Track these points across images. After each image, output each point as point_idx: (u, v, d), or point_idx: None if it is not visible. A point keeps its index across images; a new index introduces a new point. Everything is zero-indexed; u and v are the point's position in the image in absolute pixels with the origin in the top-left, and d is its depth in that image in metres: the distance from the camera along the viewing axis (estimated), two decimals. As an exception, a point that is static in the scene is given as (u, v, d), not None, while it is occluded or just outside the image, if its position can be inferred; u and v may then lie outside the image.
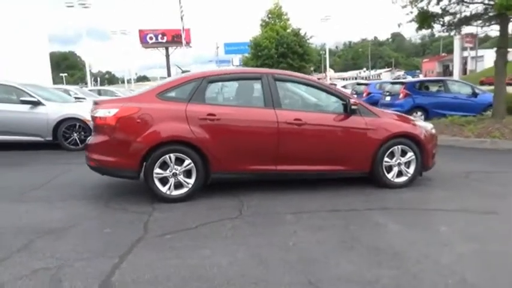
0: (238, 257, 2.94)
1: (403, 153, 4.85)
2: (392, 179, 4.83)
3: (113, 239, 3.30)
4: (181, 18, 51.37)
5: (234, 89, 4.83)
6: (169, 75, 78.18)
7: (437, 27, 10.18)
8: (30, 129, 7.65)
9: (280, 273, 2.68)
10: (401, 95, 11.99)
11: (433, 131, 5.22)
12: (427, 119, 10.85)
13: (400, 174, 4.88)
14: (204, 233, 3.44)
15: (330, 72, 77.91)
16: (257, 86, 4.58)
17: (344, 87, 17.74)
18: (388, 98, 12.65)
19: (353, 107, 4.58)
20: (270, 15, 33.95)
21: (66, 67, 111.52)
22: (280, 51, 31.16)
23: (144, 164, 4.21)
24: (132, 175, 4.23)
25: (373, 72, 77.27)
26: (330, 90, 4.81)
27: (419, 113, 11.83)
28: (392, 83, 13.50)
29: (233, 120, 4.37)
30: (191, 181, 4.29)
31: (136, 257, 2.95)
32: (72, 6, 27.47)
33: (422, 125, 5.06)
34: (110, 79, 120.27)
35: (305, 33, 33.06)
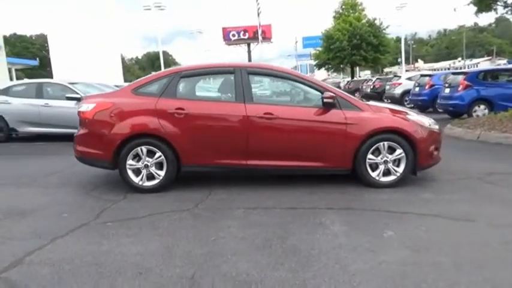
0: (149, 247, 3.01)
1: (392, 150, 4.45)
2: (377, 178, 4.47)
3: (62, 223, 3.60)
4: (258, 15, 52.28)
5: (208, 83, 4.88)
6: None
7: (500, 9, 9.01)
8: (75, 122, 8.50)
9: (172, 265, 2.70)
10: (460, 87, 10.84)
11: (433, 126, 4.69)
12: (491, 113, 9.66)
13: (388, 173, 4.49)
14: (144, 222, 3.58)
15: (419, 64, 72.69)
16: (230, 80, 4.56)
17: (409, 79, 16.49)
18: (447, 91, 11.53)
19: (326, 100, 4.32)
20: (343, 6, 32.80)
21: (159, 66, 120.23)
22: (353, 43, 29.99)
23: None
24: (107, 165, 4.53)
25: (468, 62, 70.06)
26: (307, 83, 4.59)
27: (482, 107, 10.61)
28: (454, 74, 12.21)
29: (201, 114, 4.42)
30: (162, 173, 4.46)
31: (64, 240, 3.20)
32: (149, 9, 29.68)
33: (416, 120, 4.56)
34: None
35: (381, 23, 31.34)
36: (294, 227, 3.36)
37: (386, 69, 59.66)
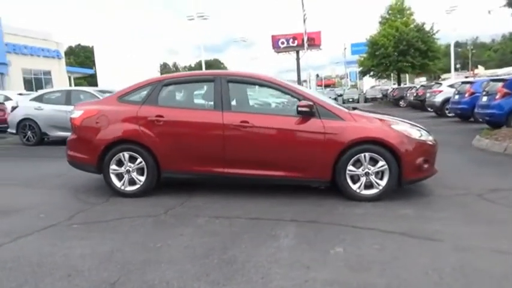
0: (95, 250, 3.09)
1: (375, 162, 4.23)
2: (358, 191, 4.26)
3: (35, 223, 3.80)
4: (304, 21, 52.13)
5: (189, 91, 4.93)
6: (299, 78, 79.87)
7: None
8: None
9: (103, 269, 2.75)
10: (498, 95, 10.02)
11: (424, 138, 4.39)
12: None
13: (371, 185, 4.27)
14: (107, 226, 3.69)
15: (479, 70, 68.29)
16: (210, 88, 4.59)
17: (451, 86, 15.50)
18: (484, 99, 10.71)
19: (301, 109, 4.20)
20: (390, 11, 31.72)
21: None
22: (399, 49, 28.88)
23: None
24: (93, 170, 4.73)
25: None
26: (287, 91, 4.49)
27: (523, 117, 9.71)
28: (493, 80, 11.33)
29: (179, 121, 4.49)
30: (143, 179, 4.57)
31: (26, 239, 3.38)
32: (192, 19, 30.64)
33: (401, 130, 4.30)
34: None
35: (431, 28, 29.90)
36: (245, 238, 3.30)
37: (444, 76, 56.69)
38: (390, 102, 28.60)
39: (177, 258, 2.93)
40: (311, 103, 4.24)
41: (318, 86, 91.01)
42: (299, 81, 76.86)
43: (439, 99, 15.72)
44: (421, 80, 56.33)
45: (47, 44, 34.31)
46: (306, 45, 48.43)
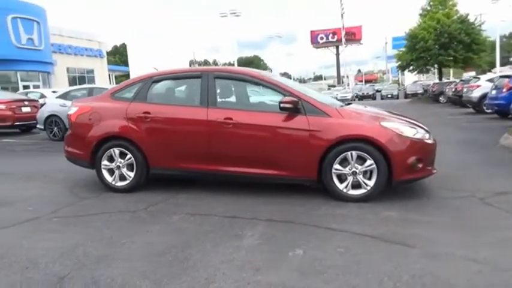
0: (61, 244, 3.15)
1: (363, 160, 4.02)
2: (345, 191, 4.07)
3: (20, 215, 3.95)
4: (342, 16, 50.99)
5: (177, 88, 4.91)
6: (338, 74, 78.35)
7: None
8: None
9: (59, 263, 2.80)
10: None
11: (418, 136, 4.12)
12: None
13: (358, 185, 4.07)
14: (85, 220, 3.78)
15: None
16: (197, 84, 4.55)
17: (490, 80, 14.48)
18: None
19: (283, 105, 4.07)
20: (431, 3, 30.19)
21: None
22: (440, 41, 27.47)
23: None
24: (87, 165, 4.85)
25: None
26: (274, 87, 4.36)
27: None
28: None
29: (166, 118, 4.50)
30: (132, 174, 4.64)
31: (3, 232, 3.52)
32: (225, 16, 30.80)
33: (392, 128, 4.04)
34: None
35: (476, 19, 28.19)
36: (210, 237, 3.25)
37: (495, 69, 53.35)
38: (430, 98, 27.29)
39: (133, 255, 2.93)
40: (295, 99, 4.10)
41: (359, 81, 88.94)
42: (338, 77, 75.51)
43: (476, 94, 14.77)
44: (470, 75, 53.21)
45: (90, 43, 35.95)
46: (343, 40, 47.30)
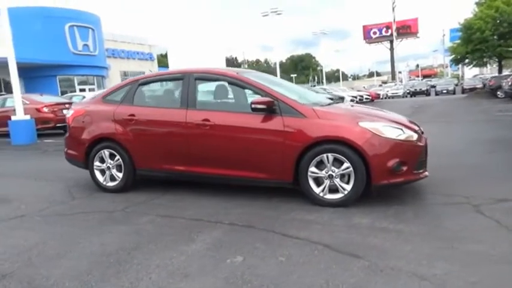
0: (25, 242, 3.30)
1: (340, 163, 3.81)
2: (321, 195, 3.88)
3: (10, 213, 4.21)
4: (393, 9, 48.87)
5: (161, 90, 4.95)
6: (392, 69, 75.12)
7: None
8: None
9: (10, 260, 2.95)
10: None
11: (402, 137, 3.81)
12: None
13: (336, 189, 3.86)
14: (63, 219, 3.95)
15: None
16: (179, 86, 4.56)
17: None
18: None
19: (254, 105, 3.95)
20: (489, -10, 27.90)
21: (302, 68, 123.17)
22: (499, 31, 25.35)
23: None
24: (82, 165, 5.06)
25: None
26: (251, 88, 4.24)
27: None
28: None
29: (148, 120, 4.57)
30: (121, 175, 4.77)
31: (-11, 228, 3.78)
32: (267, 15, 30.72)
33: (370, 128, 3.77)
34: (338, 77, 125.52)
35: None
36: (164, 240, 3.24)
37: None
38: (487, 93, 25.28)
39: (82, 255, 3.00)
40: (268, 99, 3.97)
41: (416, 77, 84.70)
42: (392, 73, 72.39)
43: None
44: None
45: (142, 47, 37.69)
46: (394, 34, 45.11)
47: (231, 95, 4.50)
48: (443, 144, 7.26)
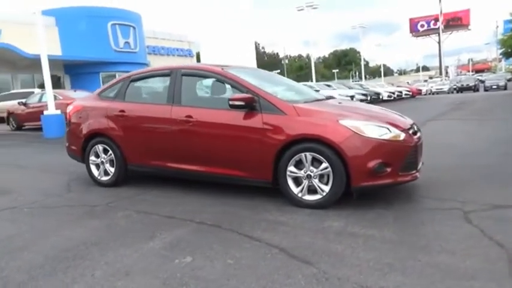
0: (3, 234, 3.44)
1: (319, 163, 3.63)
2: (300, 195, 3.72)
3: (5, 204, 4.40)
4: (440, 0, 46.38)
5: (151, 86, 4.95)
6: (440, 63, 71.49)
7: None
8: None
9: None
10: None
11: (387, 136, 3.56)
12: None
13: (315, 190, 3.69)
14: (44, 212, 4.06)
15: None
16: (166, 82, 4.55)
17: None
18: None
19: (231, 102, 3.84)
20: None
21: (346, 63, 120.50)
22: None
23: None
24: (80, 160, 5.19)
25: None
26: (235, 84, 4.12)
27: None
28: None
29: (137, 116, 4.59)
30: (113, 170, 4.85)
31: (-21, 218, 3.97)
32: (302, 10, 30.10)
33: (352, 126, 3.54)
34: (384, 72, 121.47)
35: None
36: (128, 236, 3.24)
37: None
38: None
39: (45, 249, 3.05)
40: (247, 96, 3.85)
41: (466, 72, 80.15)
42: (440, 67, 68.91)
43: None
44: None
45: (181, 44, 38.45)
46: (441, 26, 42.71)
47: (215, 91, 4.42)
48: (464, 143, 6.77)
